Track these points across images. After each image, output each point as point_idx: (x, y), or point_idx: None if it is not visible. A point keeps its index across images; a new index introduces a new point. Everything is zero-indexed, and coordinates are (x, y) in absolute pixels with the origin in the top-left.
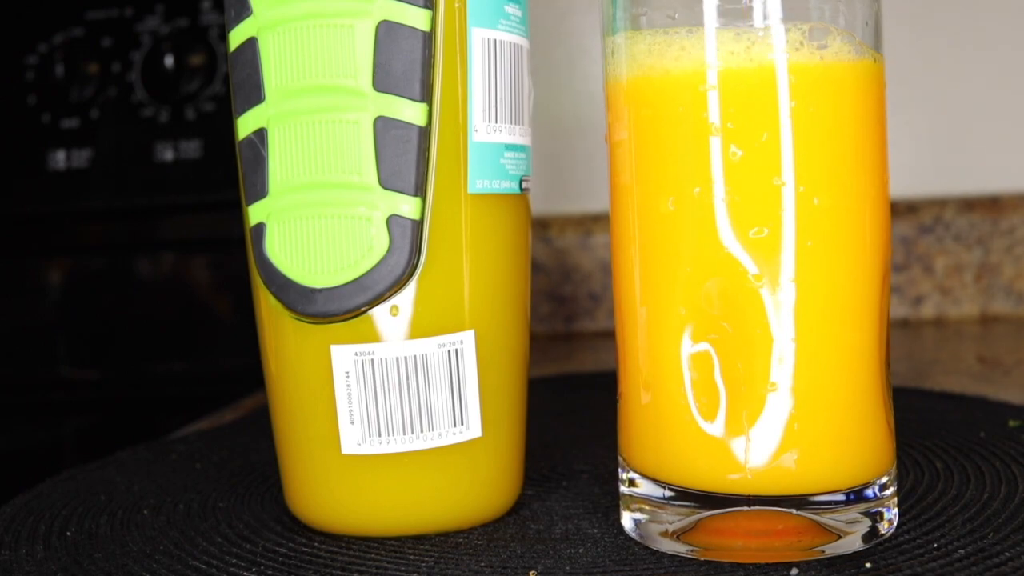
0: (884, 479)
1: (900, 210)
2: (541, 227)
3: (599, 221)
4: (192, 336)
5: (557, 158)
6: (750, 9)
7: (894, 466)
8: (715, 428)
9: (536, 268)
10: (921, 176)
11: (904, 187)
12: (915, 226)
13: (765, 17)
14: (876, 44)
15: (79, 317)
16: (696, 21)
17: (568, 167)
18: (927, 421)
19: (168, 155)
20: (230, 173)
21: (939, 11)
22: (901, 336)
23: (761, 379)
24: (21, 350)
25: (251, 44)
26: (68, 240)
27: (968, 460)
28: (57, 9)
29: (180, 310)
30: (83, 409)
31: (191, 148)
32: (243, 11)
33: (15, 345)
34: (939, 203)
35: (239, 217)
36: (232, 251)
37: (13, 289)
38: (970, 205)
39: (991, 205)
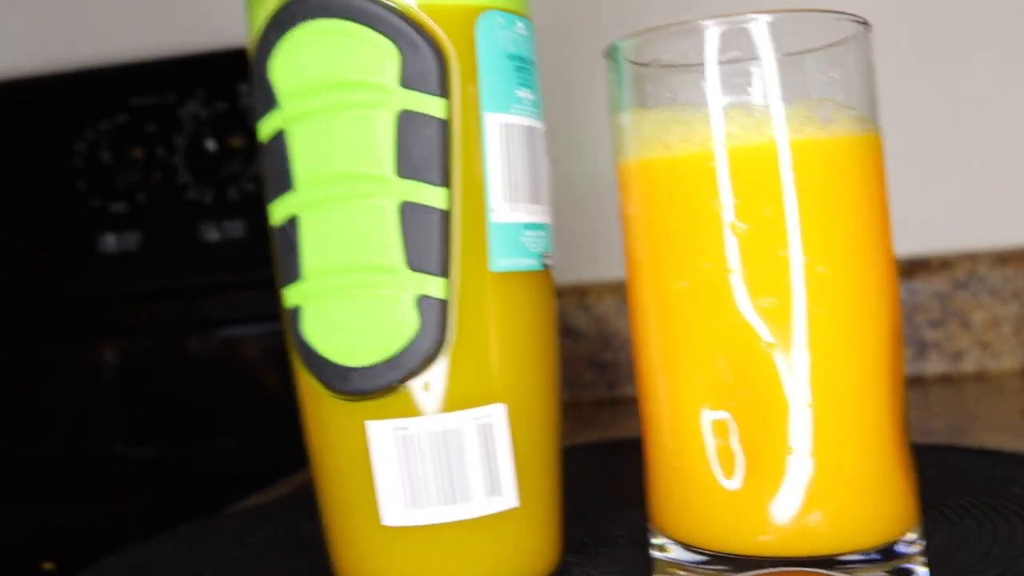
0: (912, 536)
1: (934, 266)
2: (580, 294)
3: None
4: (243, 412)
5: (593, 226)
6: (753, 87)
7: (920, 523)
8: (740, 492)
9: (576, 335)
10: (953, 231)
11: (937, 243)
12: (950, 281)
13: (767, 95)
14: (874, 116)
15: (133, 396)
16: (700, 100)
17: (604, 235)
18: (962, 478)
19: (213, 235)
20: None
21: (966, 65)
22: (942, 392)
23: (779, 443)
24: (78, 430)
25: (279, 136)
26: (120, 321)
27: (1001, 517)
28: (102, 97)
29: (231, 387)
30: (139, 486)
31: (235, 228)
32: (270, 104)
33: (72, 425)
34: (972, 258)
35: None
36: (279, 327)
37: (69, 370)
38: (1004, 259)
39: None
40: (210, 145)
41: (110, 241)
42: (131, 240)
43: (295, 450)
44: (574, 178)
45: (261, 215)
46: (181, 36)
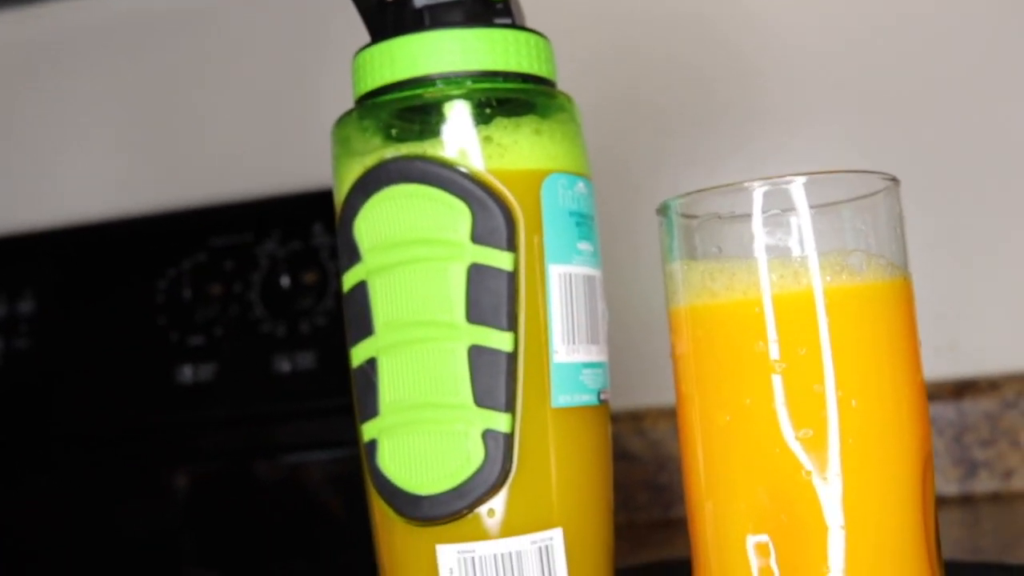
0: None
1: (983, 387)
2: (635, 420)
3: None
4: (309, 535)
5: (647, 353)
6: (791, 240)
7: None
8: None
9: (632, 459)
10: (1001, 354)
11: (985, 365)
12: (999, 402)
13: (804, 247)
14: (904, 263)
15: (204, 520)
16: (745, 252)
17: (658, 361)
18: None
19: (285, 367)
20: (342, 382)
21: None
22: (992, 511)
23: (817, 564)
24: (150, 554)
25: (361, 286)
26: (194, 447)
27: None
28: (184, 237)
29: (297, 511)
30: None
31: (306, 359)
32: (354, 258)
33: (143, 548)
34: (1020, 379)
35: (351, 422)
36: (344, 454)
37: (142, 494)
38: None
39: None
40: (284, 281)
41: (187, 372)
42: (207, 371)
43: (361, 571)
44: (630, 309)
45: (330, 347)
46: (258, 179)
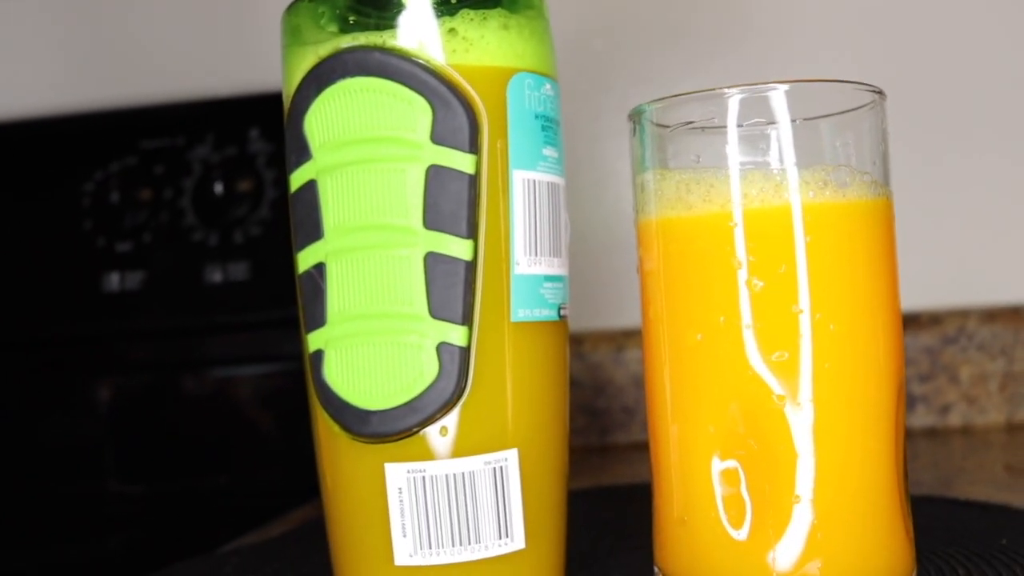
0: None
1: (924, 322)
2: (576, 343)
3: (631, 337)
4: (237, 451)
5: (589, 277)
6: (771, 152)
7: (915, 572)
8: (745, 539)
9: (571, 383)
10: (944, 288)
11: (927, 299)
12: (939, 337)
13: (784, 160)
14: (886, 180)
15: (128, 433)
16: (722, 163)
17: (600, 286)
18: (951, 529)
19: (216, 277)
20: (276, 294)
21: (961, 125)
22: (928, 445)
23: (786, 492)
24: (71, 466)
25: (311, 185)
26: (119, 359)
27: (989, 567)
28: (113, 138)
29: (225, 426)
30: (130, 524)
31: (238, 270)
32: (304, 155)
33: (65, 461)
34: (962, 314)
35: (284, 336)
36: (276, 368)
37: (65, 407)
38: (992, 316)
39: (1013, 315)
40: (217, 188)
41: (114, 280)
42: (135, 279)
43: (288, 489)
44: (573, 231)
45: (265, 258)
46: (192, 81)
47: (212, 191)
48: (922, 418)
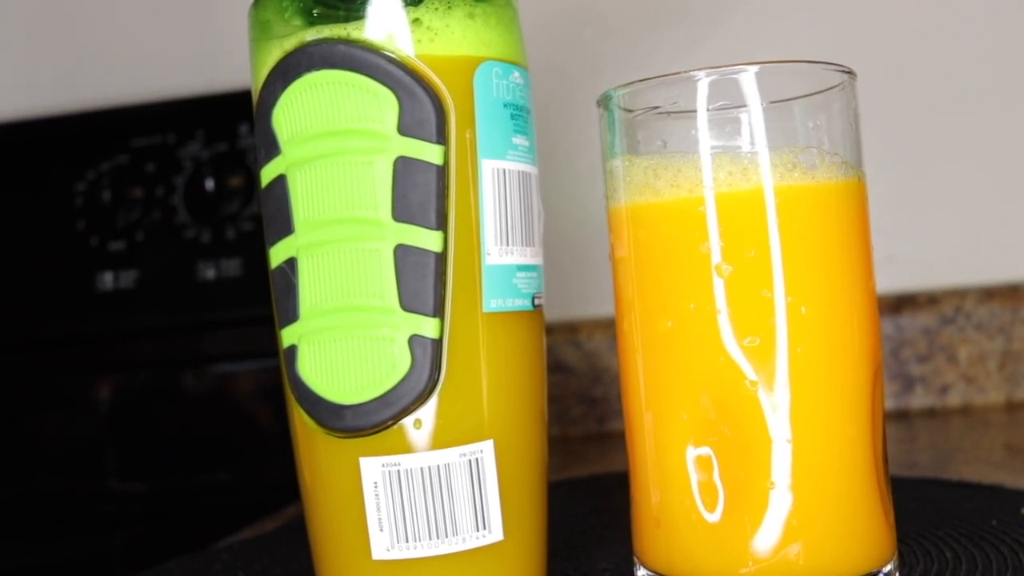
0: (888, 568)
1: (921, 302)
2: (571, 331)
3: None
4: (235, 447)
5: (584, 264)
6: (740, 135)
7: (897, 555)
8: (721, 525)
9: (567, 370)
10: (940, 268)
11: (924, 280)
12: (937, 317)
13: (754, 142)
14: (858, 162)
15: (127, 432)
16: (690, 147)
17: (595, 272)
18: (942, 510)
19: (210, 274)
20: (269, 289)
21: (953, 107)
22: (927, 426)
23: (760, 478)
24: (71, 464)
25: (280, 181)
26: (116, 358)
27: (977, 548)
28: (104, 138)
29: (224, 422)
30: (130, 521)
31: (232, 266)
32: (272, 151)
33: (65, 460)
34: (959, 294)
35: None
36: (272, 364)
37: (63, 406)
38: (990, 294)
39: (1011, 294)
40: (209, 185)
41: (107, 279)
42: (128, 278)
43: (286, 485)
44: (567, 218)
45: (258, 254)
46: (181, 79)
47: (203, 188)
48: (921, 399)
